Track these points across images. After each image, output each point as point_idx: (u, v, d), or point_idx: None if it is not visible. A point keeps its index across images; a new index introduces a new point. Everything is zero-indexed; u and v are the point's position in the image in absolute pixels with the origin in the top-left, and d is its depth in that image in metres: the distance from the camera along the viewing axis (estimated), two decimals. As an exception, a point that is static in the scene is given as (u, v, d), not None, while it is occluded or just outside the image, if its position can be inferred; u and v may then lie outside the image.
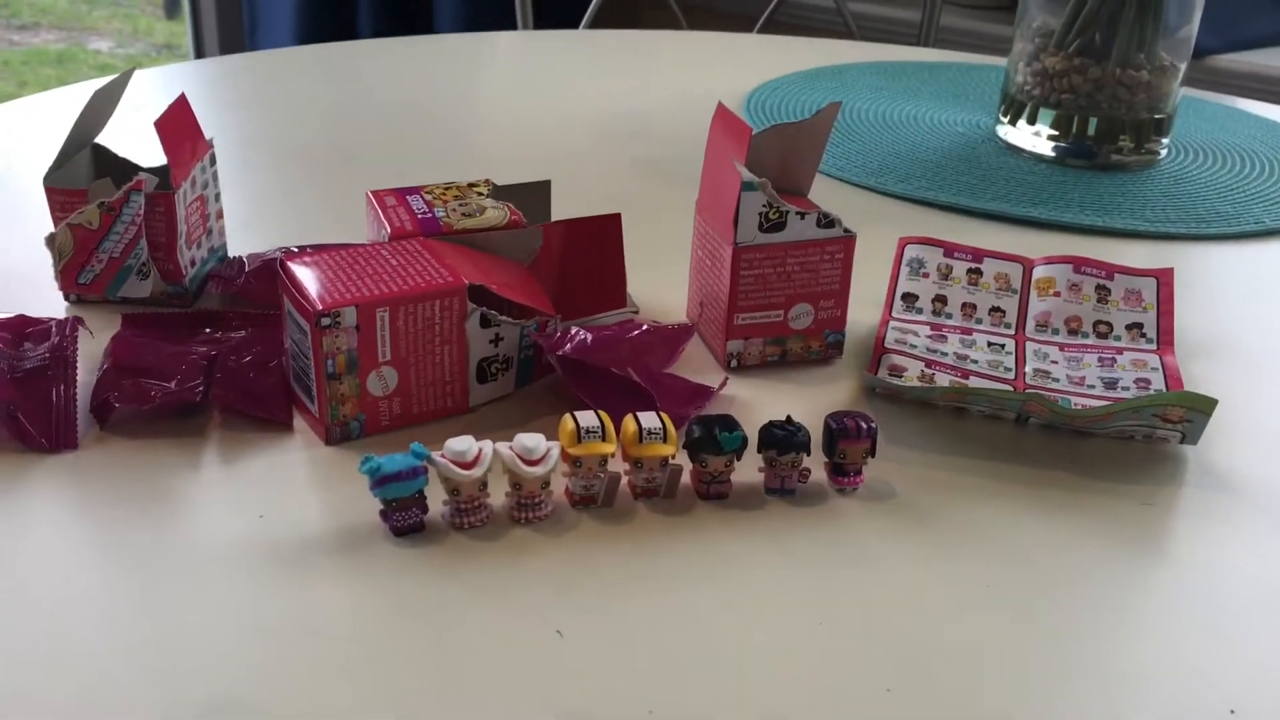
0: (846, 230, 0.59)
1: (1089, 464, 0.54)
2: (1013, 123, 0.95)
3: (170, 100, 0.61)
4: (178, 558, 0.45)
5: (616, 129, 0.97)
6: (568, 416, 0.48)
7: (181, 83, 1.02)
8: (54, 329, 0.55)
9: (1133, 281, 0.66)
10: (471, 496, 0.47)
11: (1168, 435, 0.55)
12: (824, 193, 0.84)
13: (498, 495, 0.48)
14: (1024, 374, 0.60)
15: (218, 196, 0.66)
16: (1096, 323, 0.65)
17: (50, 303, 0.63)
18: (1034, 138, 0.94)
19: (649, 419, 0.49)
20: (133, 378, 0.53)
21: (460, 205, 0.60)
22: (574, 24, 1.56)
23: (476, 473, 0.46)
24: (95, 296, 0.62)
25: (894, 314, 0.66)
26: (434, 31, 2.27)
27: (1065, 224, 0.82)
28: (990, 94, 1.09)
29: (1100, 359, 0.62)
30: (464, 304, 0.52)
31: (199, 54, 2.40)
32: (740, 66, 1.15)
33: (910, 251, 0.69)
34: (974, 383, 0.58)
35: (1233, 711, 0.41)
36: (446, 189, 0.62)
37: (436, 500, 0.47)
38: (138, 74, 1.01)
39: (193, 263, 0.63)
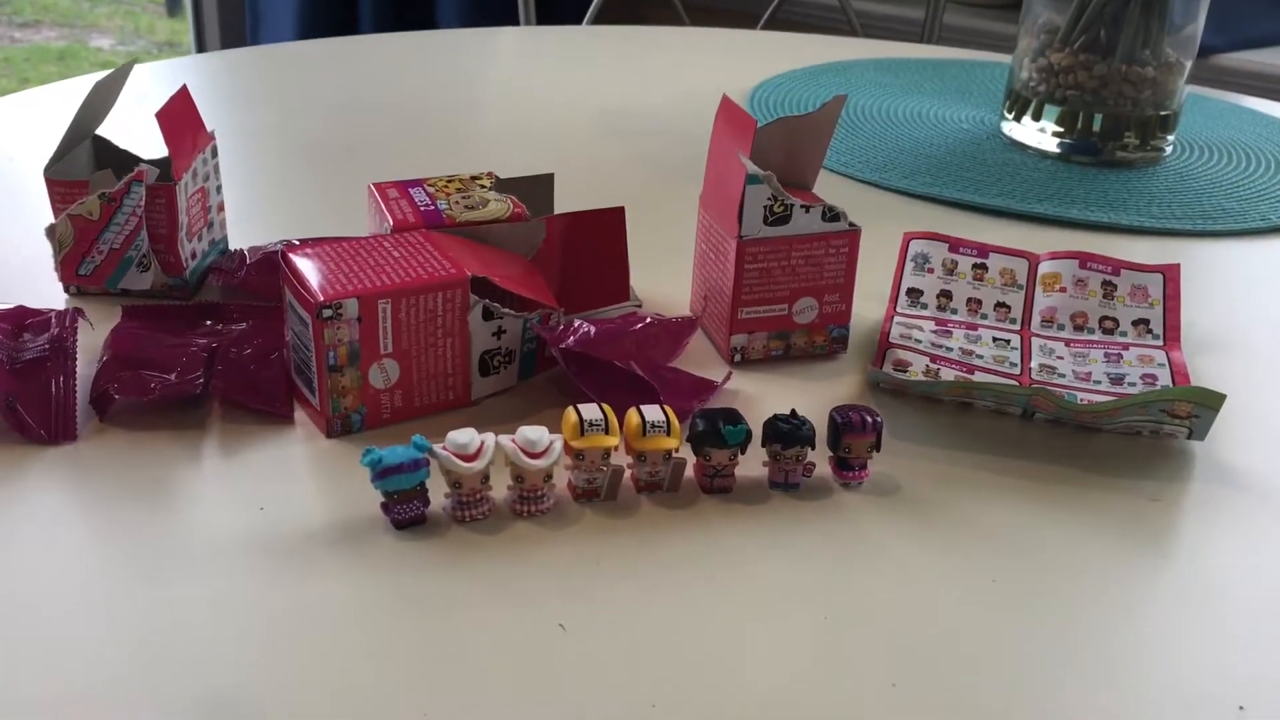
0: (851, 224, 0.59)
1: (1095, 459, 0.54)
2: (1017, 119, 0.95)
3: (172, 93, 0.61)
4: (177, 551, 0.45)
5: (619, 125, 0.96)
6: (570, 409, 0.48)
7: (184, 76, 1.02)
8: (53, 320, 0.54)
9: (1139, 277, 0.66)
10: (473, 489, 0.47)
11: (1175, 431, 0.55)
12: (828, 188, 0.84)
13: (500, 488, 0.48)
14: (1029, 369, 0.60)
15: (219, 189, 0.66)
16: (1102, 318, 0.64)
17: (50, 294, 0.62)
18: (1039, 134, 0.93)
19: (652, 412, 0.49)
20: (133, 369, 0.53)
21: (463, 198, 0.60)
22: (577, 20, 1.56)
23: (478, 465, 0.46)
24: (95, 288, 0.62)
25: (899, 309, 0.65)
26: (436, 27, 2.26)
27: (1070, 220, 0.82)
28: (994, 91, 1.09)
29: (1106, 354, 0.62)
30: (467, 296, 0.52)
31: (201, 51, 2.39)
32: (744, 63, 1.15)
33: (915, 247, 0.68)
34: (979, 378, 0.58)
35: (1241, 708, 0.40)
36: (449, 181, 0.62)
37: (438, 493, 0.47)
38: (139, 67, 1.00)
39: (193, 255, 0.63)
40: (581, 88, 1.05)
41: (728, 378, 0.57)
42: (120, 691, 0.38)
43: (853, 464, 0.50)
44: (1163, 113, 0.91)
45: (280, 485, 0.49)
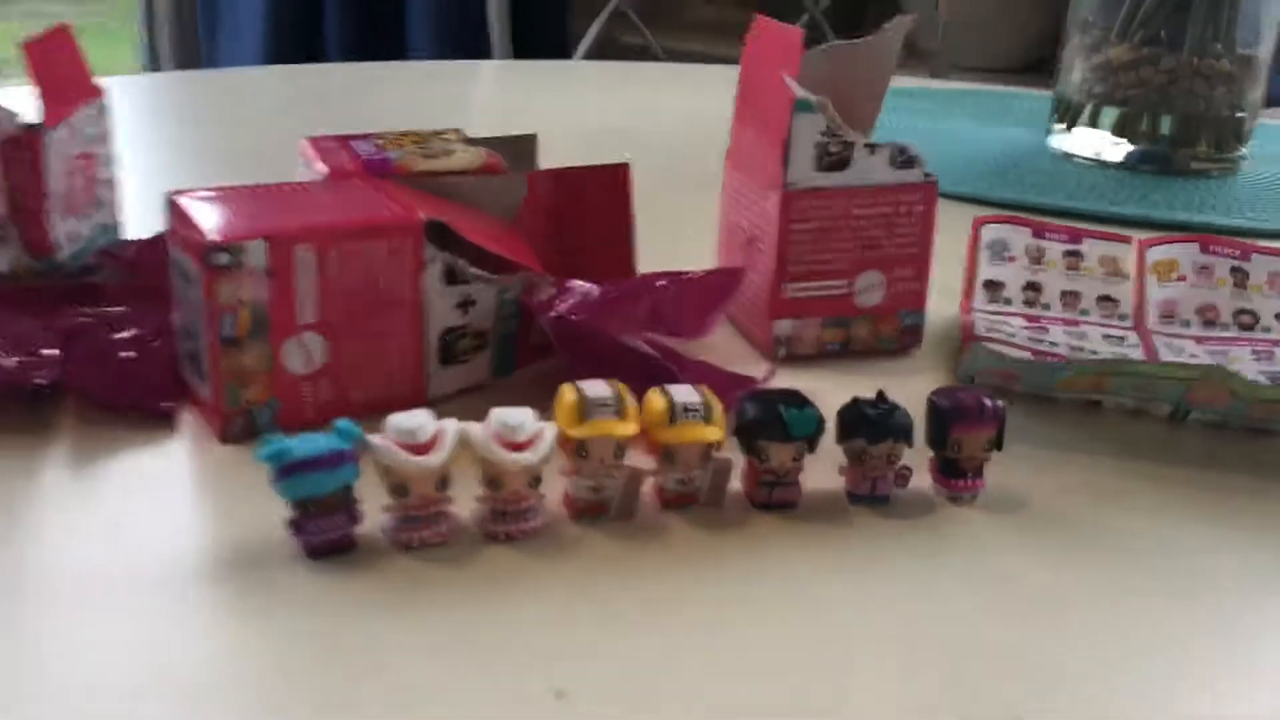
0: (928, 174, 0.45)
1: (1272, 467, 0.40)
2: (1069, 128, 0.83)
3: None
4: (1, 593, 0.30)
5: (612, 144, 0.84)
6: (567, 386, 0.34)
7: (137, 95, 0.91)
8: None
9: (1275, 263, 0.53)
10: (426, 499, 0.32)
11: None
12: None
13: (465, 499, 0.34)
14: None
15: (111, 162, 0.52)
16: (1238, 311, 0.52)
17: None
18: (1098, 141, 0.81)
19: (684, 393, 0.34)
20: (-43, 356, 0.39)
21: (421, 148, 0.46)
22: (551, 45, 1.46)
23: (433, 462, 0.32)
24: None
25: (975, 305, 0.52)
26: (407, 49, 2.16)
27: (1154, 220, 0.69)
28: (1033, 117, 0.97)
29: (1255, 352, 0.49)
30: (419, 247, 0.38)
31: (155, 69, 2.26)
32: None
33: (989, 233, 0.55)
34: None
35: None
36: (404, 134, 0.48)
37: (373, 505, 0.33)
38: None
39: (72, 237, 0.49)
40: (565, 120, 0.94)
41: (770, 374, 0.43)
42: None
43: (964, 468, 0.36)
44: (1239, 114, 0.79)
45: (149, 507, 0.36)
